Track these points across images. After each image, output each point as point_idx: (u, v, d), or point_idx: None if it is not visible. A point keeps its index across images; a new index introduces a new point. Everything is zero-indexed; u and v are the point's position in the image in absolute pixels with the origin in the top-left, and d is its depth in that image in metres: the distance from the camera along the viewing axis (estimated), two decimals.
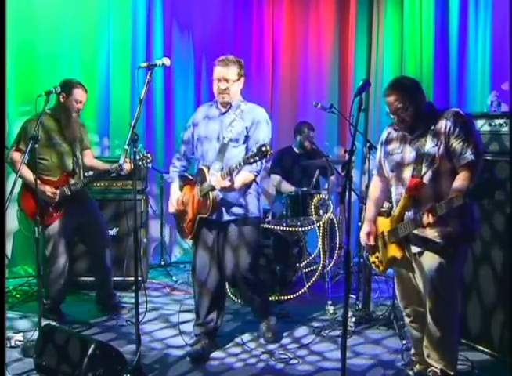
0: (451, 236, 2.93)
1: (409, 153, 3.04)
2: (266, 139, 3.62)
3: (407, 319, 3.32)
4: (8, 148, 4.34)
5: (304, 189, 5.34)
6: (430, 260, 3.00)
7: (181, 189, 3.85)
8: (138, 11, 6.00)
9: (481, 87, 5.43)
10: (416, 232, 2.99)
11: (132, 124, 3.14)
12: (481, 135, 3.53)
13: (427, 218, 2.79)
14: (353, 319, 4.17)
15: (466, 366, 3.46)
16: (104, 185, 5.04)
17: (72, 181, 4.30)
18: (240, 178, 3.53)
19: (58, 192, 4.22)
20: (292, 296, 4.79)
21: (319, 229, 5.05)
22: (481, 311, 3.64)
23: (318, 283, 4.97)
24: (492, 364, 3.54)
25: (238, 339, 3.99)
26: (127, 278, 4.96)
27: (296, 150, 5.73)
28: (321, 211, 5.15)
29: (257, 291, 3.93)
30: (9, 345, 3.70)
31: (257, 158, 3.23)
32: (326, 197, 5.20)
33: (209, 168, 3.59)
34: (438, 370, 3.14)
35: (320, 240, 5.07)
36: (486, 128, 3.58)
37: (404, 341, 3.81)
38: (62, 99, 4.24)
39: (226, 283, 4.27)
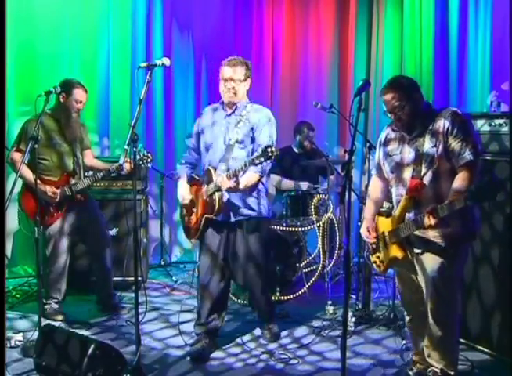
0: (452, 236, 2.93)
1: (408, 154, 3.04)
2: (271, 140, 3.65)
3: (408, 319, 3.32)
4: (8, 148, 4.34)
5: (305, 183, 5.34)
6: (431, 260, 3.00)
7: (190, 190, 3.86)
8: (138, 11, 6.00)
9: (480, 87, 5.43)
10: (417, 233, 2.99)
11: (132, 124, 3.14)
12: (479, 135, 3.55)
13: (429, 220, 2.79)
14: (353, 319, 4.17)
15: (466, 366, 3.46)
16: (104, 185, 5.04)
17: (72, 181, 4.30)
18: (246, 179, 3.54)
19: (59, 192, 4.22)
20: (292, 296, 4.79)
21: (319, 229, 5.05)
22: (481, 311, 3.64)
23: (318, 283, 4.97)
24: (491, 364, 3.55)
25: (238, 339, 3.99)
26: (127, 278, 4.96)
27: (295, 149, 5.73)
28: (321, 211, 5.15)
29: (266, 292, 3.97)
30: (8, 345, 3.70)
31: (262, 159, 3.23)
32: (326, 197, 5.20)
33: (215, 169, 3.60)
34: (438, 370, 3.14)
35: (320, 240, 5.07)
36: (486, 128, 3.58)
37: (404, 341, 3.81)
38: (62, 99, 4.24)
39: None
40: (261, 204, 3.76)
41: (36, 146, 3.61)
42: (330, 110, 4.78)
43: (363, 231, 3.30)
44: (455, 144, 2.89)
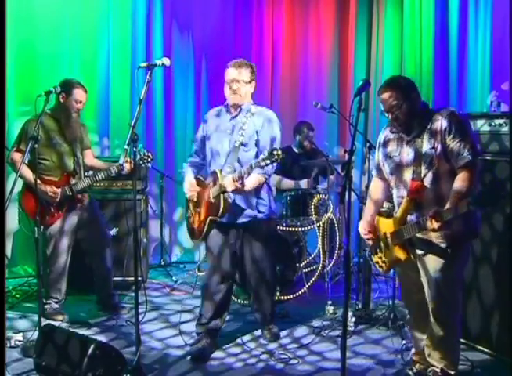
0: (454, 236, 2.93)
1: (407, 155, 3.04)
2: (275, 142, 3.68)
3: (409, 319, 3.32)
4: (8, 148, 4.34)
5: (305, 180, 5.34)
6: (434, 261, 3.00)
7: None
8: (138, 11, 6.00)
9: (480, 87, 5.42)
10: (419, 235, 2.99)
11: (132, 124, 3.14)
12: (478, 135, 3.56)
13: (432, 224, 2.80)
14: (353, 319, 4.17)
15: (466, 366, 3.46)
16: (104, 185, 5.04)
17: (73, 181, 4.30)
18: (251, 181, 3.55)
19: (59, 192, 4.22)
20: (292, 296, 4.78)
21: (319, 229, 5.05)
22: (481, 311, 3.64)
23: (318, 283, 4.97)
24: (491, 364, 3.55)
25: (238, 339, 3.99)
26: (127, 278, 4.96)
27: (295, 149, 5.72)
28: (321, 211, 5.15)
29: (271, 293, 4.02)
30: (8, 345, 3.70)
31: (268, 162, 3.24)
32: (326, 197, 5.20)
33: (221, 171, 3.61)
34: (439, 370, 3.15)
35: (320, 240, 5.07)
36: (486, 128, 3.58)
37: (404, 341, 3.81)
38: (62, 100, 4.24)
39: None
40: (267, 204, 3.79)
41: (36, 146, 3.62)
42: (330, 110, 4.78)
43: (361, 228, 3.30)
44: (453, 145, 2.89)
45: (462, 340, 3.57)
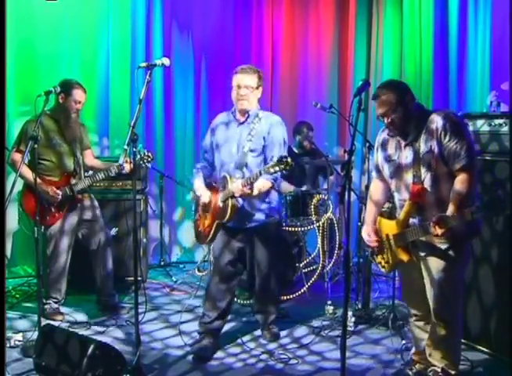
0: (456, 237, 2.93)
1: (406, 159, 3.04)
2: (283, 146, 3.72)
3: (412, 318, 3.32)
4: (8, 149, 4.34)
5: (304, 188, 5.34)
6: (436, 262, 3.01)
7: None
8: (138, 11, 6.00)
9: (480, 87, 5.43)
10: (422, 238, 3.00)
11: (132, 124, 3.14)
12: (476, 135, 3.56)
13: (435, 230, 2.81)
14: (353, 319, 4.17)
15: (466, 366, 3.46)
16: (104, 185, 5.03)
17: (73, 181, 4.30)
18: (259, 186, 3.57)
19: (60, 192, 4.22)
20: (292, 296, 4.79)
21: (319, 229, 5.05)
22: (481, 311, 3.64)
23: (317, 283, 4.97)
24: (491, 364, 3.55)
25: (238, 339, 3.99)
26: (127, 278, 4.95)
27: (295, 149, 5.72)
28: (320, 211, 5.15)
29: (277, 295, 4.10)
30: (8, 345, 3.70)
31: (277, 169, 3.24)
32: (326, 197, 5.20)
33: (231, 176, 3.63)
34: (440, 370, 3.15)
35: (320, 240, 5.07)
36: (486, 128, 3.58)
37: (404, 341, 3.81)
38: (61, 100, 4.24)
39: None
40: (275, 209, 3.83)
41: (36, 146, 3.62)
42: (330, 110, 4.78)
43: (364, 234, 3.30)
44: (450, 147, 2.89)
45: (462, 340, 3.58)
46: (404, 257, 3.08)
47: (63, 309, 4.41)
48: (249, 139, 3.67)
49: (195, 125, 6.37)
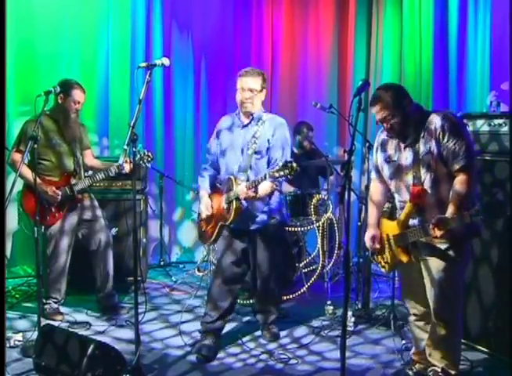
0: (456, 237, 2.93)
1: (405, 160, 3.04)
2: (287, 148, 3.75)
3: (412, 318, 3.32)
4: (8, 149, 4.34)
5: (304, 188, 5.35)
6: (436, 262, 3.01)
7: (210, 197, 3.89)
8: (138, 11, 6.00)
9: (480, 87, 5.42)
10: (422, 239, 3.00)
11: (132, 124, 3.13)
12: (476, 135, 3.56)
13: (434, 232, 2.81)
14: (352, 319, 4.17)
15: (465, 366, 3.46)
16: (104, 185, 5.03)
17: (73, 181, 4.30)
18: (263, 188, 3.58)
19: (60, 192, 4.22)
20: (291, 296, 4.79)
21: (319, 229, 5.05)
22: (481, 311, 3.64)
23: (317, 283, 4.97)
24: (491, 364, 3.55)
25: (238, 339, 3.99)
26: (126, 278, 4.95)
27: (295, 150, 5.72)
28: (320, 211, 5.15)
29: (280, 295, 4.14)
30: (8, 345, 3.70)
31: (282, 173, 3.26)
32: (326, 197, 5.20)
33: (236, 178, 3.64)
34: (440, 370, 3.15)
35: (319, 240, 5.07)
36: (485, 128, 3.58)
37: (404, 341, 3.81)
38: (60, 100, 4.24)
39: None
40: (279, 210, 3.84)
41: (35, 146, 3.62)
42: (330, 110, 4.78)
43: (367, 239, 3.30)
44: (449, 147, 2.89)
45: (462, 340, 3.58)
46: (403, 258, 3.09)
47: (62, 309, 4.41)
48: (253, 142, 3.70)
49: (195, 125, 6.37)
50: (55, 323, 3.97)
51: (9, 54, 4.80)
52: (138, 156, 4.22)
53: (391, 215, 3.23)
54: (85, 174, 4.47)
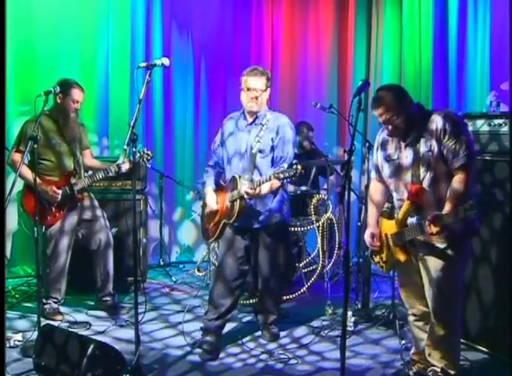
0: (454, 236, 2.93)
1: (406, 159, 3.04)
2: (291, 146, 3.78)
3: (412, 319, 3.32)
4: (8, 149, 4.34)
5: (304, 188, 5.34)
6: (435, 261, 3.01)
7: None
8: (138, 11, 6.00)
9: (480, 87, 5.42)
10: (420, 237, 3.00)
11: (131, 124, 3.14)
12: (475, 135, 3.56)
13: (430, 229, 2.82)
14: (352, 319, 4.17)
15: (465, 366, 3.46)
16: (104, 185, 5.03)
17: (73, 180, 4.30)
18: (267, 187, 3.59)
19: (60, 192, 4.22)
20: (291, 296, 4.79)
21: (319, 229, 5.05)
22: (481, 311, 3.64)
23: (317, 283, 4.97)
24: (490, 364, 3.55)
25: (238, 340, 3.99)
26: (126, 278, 4.95)
27: (295, 150, 5.71)
28: (320, 211, 5.15)
29: (281, 295, 4.16)
30: (8, 345, 3.69)
31: (287, 175, 3.27)
32: (326, 197, 5.20)
33: (241, 177, 3.65)
34: (439, 370, 3.15)
35: (319, 240, 5.07)
36: (485, 128, 3.59)
37: (403, 341, 3.81)
38: (59, 100, 4.25)
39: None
40: (281, 209, 3.85)
41: (35, 146, 3.62)
42: (330, 110, 4.77)
43: (367, 237, 3.30)
44: (449, 147, 2.89)
45: (461, 340, 3.58)
46: (401, 257, 3.08)
47: (62, 309, 4.41)
48: (257, 140, 3.70)
49: (195, 125, 6.37)
50: (55, 323, 3.97)
51: (8, 54, 4.79)
52: (138, 154, 4.22)
53: (391, 214, 3.23)
54: (85, 174, 4.47)
